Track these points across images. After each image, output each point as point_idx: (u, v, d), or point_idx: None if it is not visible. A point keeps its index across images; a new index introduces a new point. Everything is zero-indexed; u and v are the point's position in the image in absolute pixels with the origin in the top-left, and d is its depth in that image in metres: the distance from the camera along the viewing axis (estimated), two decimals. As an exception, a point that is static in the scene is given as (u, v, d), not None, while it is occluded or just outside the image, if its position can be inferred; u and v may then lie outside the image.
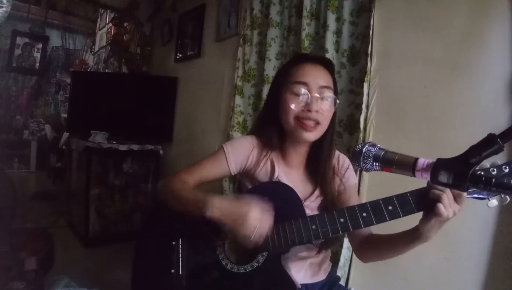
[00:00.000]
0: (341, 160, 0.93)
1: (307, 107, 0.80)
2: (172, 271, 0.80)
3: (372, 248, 0.83)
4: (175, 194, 0.81)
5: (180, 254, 0.81)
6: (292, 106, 0.80)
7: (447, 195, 0.62)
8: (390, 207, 0.67)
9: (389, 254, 0.78)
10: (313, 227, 0.71)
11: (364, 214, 0.68)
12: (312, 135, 0.82)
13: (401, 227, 0.72)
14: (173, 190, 0.82)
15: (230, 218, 0.69)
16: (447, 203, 0.62)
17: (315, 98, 0.80)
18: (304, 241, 0.72)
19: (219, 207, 0.70)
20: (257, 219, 0.68)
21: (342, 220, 0.70)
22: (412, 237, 0.69)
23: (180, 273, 0.80)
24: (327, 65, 0.87)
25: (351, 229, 0.70)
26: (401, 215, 0.66)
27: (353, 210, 0.70)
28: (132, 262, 0.91)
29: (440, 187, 0.62)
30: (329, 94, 0.82)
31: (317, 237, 0.72)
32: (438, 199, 0.62)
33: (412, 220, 0.68)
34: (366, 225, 0.69)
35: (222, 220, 0.70)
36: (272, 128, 0.87)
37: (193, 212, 0.73)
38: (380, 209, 0.67)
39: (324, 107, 0.81)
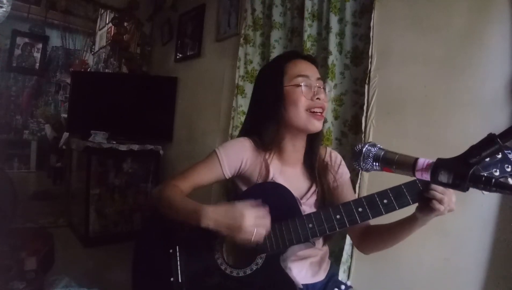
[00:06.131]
0: (333, 156, 0.95)
1: (315, 96, 0.83)
2: (172, 279, 0.80)
3: (373, 239, 0.85)
4: (168, 204, 0.79)
5: (178, 262, 0.81)
6: (303, 98, 0.83)
7: (447, 197, 0.65)
8: (385, 201, 0.68)
9: (390, 243, 0.81)
10: (310, 225, 0.72)
11: (360, 209, 0.69)
12: (320, 124, 0.85)
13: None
14: (167, 199, 0.80)
15: (226, 227, 0.69)
16: (446, 204, 0.65)
17: (317, 88, 0.84)
18: (302, 240, 0.72)
19: (213, 217, 0.70)
20: (253, 225, 0.67)
21: (338, 216, 0.70)
22: (410, 224, 0.73)
23: (180, 280, 0.79)
24: (314, 61, 0.92)
25: (347, 225, 0.70)
26: (397, 208, 0.67)
27: (348, 206, 0.70)
28: (132, 271, 0.89)
29: (440, 189, 0.65)
30: (322, 84, 0.87)
31: (314, 235, 0.72)
32: (440, 202, 0.65)
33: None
34: (362, 220, 0.69)
35: (218, 229, 0.70)
36: (274, 127, 0.87)
37: (189, 221, 0.73)
38: (376, 203, 0.68)
39: (324, 96, 0.86)
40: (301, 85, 0.83)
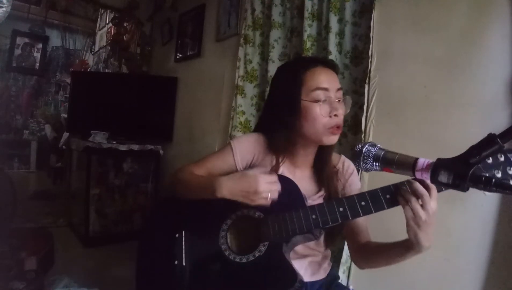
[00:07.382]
0: (346, 164, 0.94)
1: (333, 112, 0.80)
2: (176, 262, 0.82)
3: (369, 256, 0.84)
4: (184, 183, 0.86)
5: (183, 246, 0.83)
6: (321, 115, 0.80)
7: (411, 202, 0.62)
8: (388, 196, 0.67)
9: (384, 263, 0.78)
10: (313, 216, 0.73)
11: (363, 203, 0.69)
12: (336, 138, 0.83)
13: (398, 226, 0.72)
14: (182, 179, 0.87)
15: (241, 194, 0.72)
16: (415, 209, 0.62)
17: (336, 102, 0.81)
18: (305, 230, 0.74)
19: (228, 186, 0.74)
20: (267, 189, 0.71)
21: (341, 209, 0.71)
22: (404, 246, 0.70)
23: (183, 264, 0.81)
24: (335, 68, 0.87)
25: (350, 218, 0.71)
26: (399, 203, 0.67)
27: (351, 199, 0.71)
28: (137, 255, 0.93)
29: (406, 193, 0.63)
30: (342, 95, 0.84)
31: (317, 226, 0.73)
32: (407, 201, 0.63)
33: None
34: (364, 214, 0.69)
35: (234, 198, 0.73)
36: (287, 135, 0.86)
37: (204, 195, 0.77)
38: (378, 198, 0.68)
39: (342, 110, 0.82)
40: (320, 103, 0.80)
